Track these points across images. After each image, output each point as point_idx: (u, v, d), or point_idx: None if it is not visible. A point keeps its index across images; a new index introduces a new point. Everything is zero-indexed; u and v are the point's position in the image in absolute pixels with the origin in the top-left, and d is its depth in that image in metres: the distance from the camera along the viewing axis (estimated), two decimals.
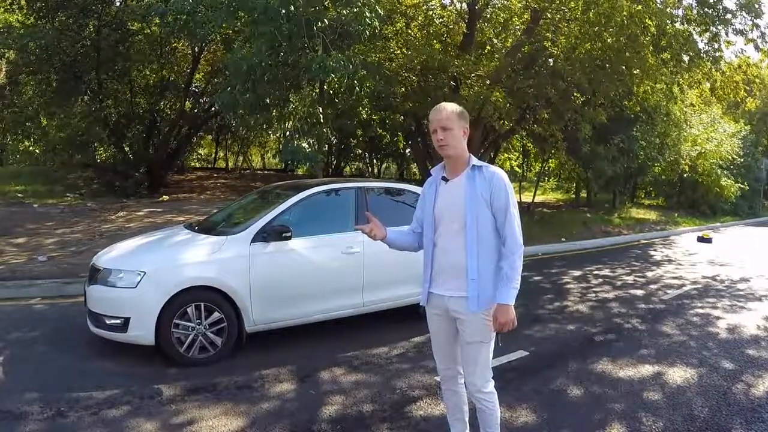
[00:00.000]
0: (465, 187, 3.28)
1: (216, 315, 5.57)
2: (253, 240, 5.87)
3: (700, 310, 8.48)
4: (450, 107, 3.29)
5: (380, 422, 4.41)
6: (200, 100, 23.21)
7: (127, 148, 20.13)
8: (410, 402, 4.81)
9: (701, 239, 18.15)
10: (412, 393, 5.00)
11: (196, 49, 20.18)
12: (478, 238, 3.24)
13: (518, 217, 3.30)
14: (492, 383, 3.47)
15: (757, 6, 13.71)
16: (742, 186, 29.58)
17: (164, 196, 17.66)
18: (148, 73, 20.95)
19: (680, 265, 13.15)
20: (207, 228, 6.57)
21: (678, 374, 5.67)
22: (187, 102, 21.61)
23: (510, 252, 3.22)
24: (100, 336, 5.55)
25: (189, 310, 5.45)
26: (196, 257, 5.67)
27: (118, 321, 5.33)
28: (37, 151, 22.99)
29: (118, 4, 18.00)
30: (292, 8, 9.79)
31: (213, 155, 34.62)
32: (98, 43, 17.20)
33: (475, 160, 3.35)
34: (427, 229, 3.47)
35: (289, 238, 5.99)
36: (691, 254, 15.03)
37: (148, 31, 18.53)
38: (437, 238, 3.40)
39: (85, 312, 5.77)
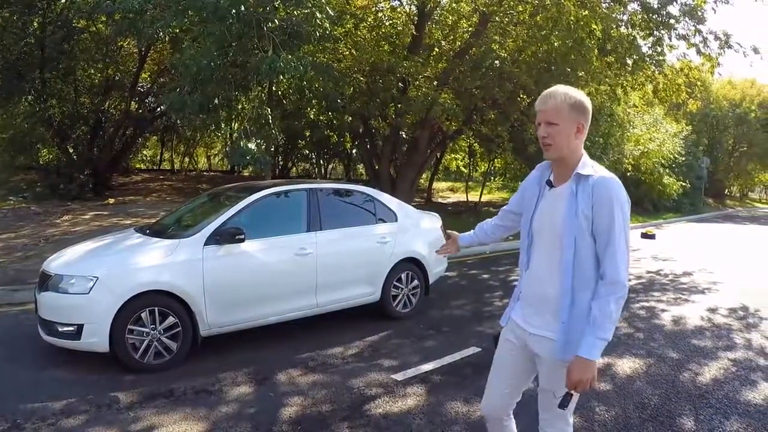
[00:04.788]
0: (567, 202, 2.61)
1: (170, 319, 5.53)
2: (206, 243, 5.85)
3: (646, 304, 8.80)
4: (561, 95, 2.59)
5: (340, 421, 4.46)
6: (146, 100, 22.80)
7: (71, 150, 19.62)
8: (368, 400, 4.88)
9: (645, 235, 18.66)
10: (370, 391, 5.08)
11: (142, 48, 19.84)
12: (575, 269, 2.57)
13: (628, 246, 2.56)
14: None
15: (699, 13, 14.19)
16: (684, 184, 30.58)
17: (110, 199, 17.32)
18: (93, 72, 20.43)
19: None
20: (159, 231, 6.51)
21: (627, 365, 5.91)
22: (132, 102, 21.22)
23: (606, 291, 2.50)
24: (53, 344, 5.45)
25: (143, 315, 5.40)
26: (149, 261, 5.62)
27: (71, 328, 5.24)
28: None
29: (63, 1, 17.53)
30: (242, 8, 9.72)
31: (158, 157, 34.06)
32: (43, 41, 16.74)
33: (585, 165, 2.63)
34: (523, 240, 2.86)
35: (242, 240, 5.99)
36: (635, 250, 15.47)
37: (94, 29, 18.13)
38: (532, 255, 2.80)
39: (36, 320, 5.67)
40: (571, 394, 2.59)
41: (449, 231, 3.45)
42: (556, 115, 2.57)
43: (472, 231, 3.38)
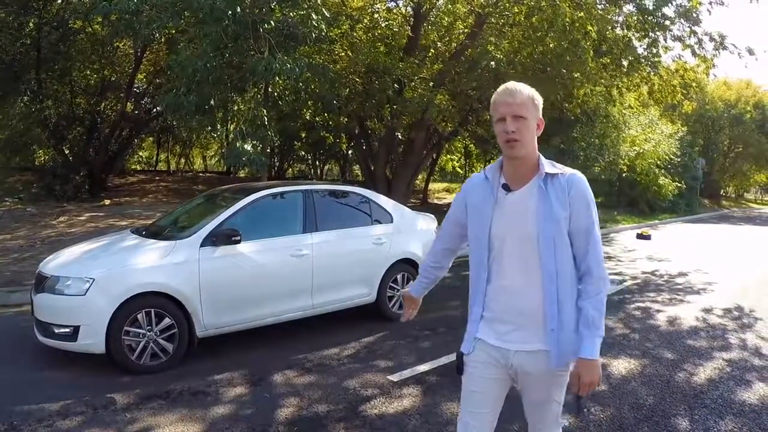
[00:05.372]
0: (537, 202, 2.45)
1: (167, 321, 5.55)
2: (202, 244, 5.87)
3: (641, 304, 8.83)
4: (526, 89, 2.45)
5: (336, 422, 4.47)
6: (142, 101, 22.77)
7: (67, 151, 19.57)
8: (364, 401, 4.89)
9: (640, 236, 18.68)
10: (366, 392, 5.09)
11: (138, 49, 19.82)
12: (557, 273, 2.43)
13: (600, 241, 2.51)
14: None
15: (695, 14, 14.24)
16: (679, 185, 30.68)
17: (106, 200, 17.30)
18: (89, 73, 20.39)
19: (620, 261, 13.57)
20: (155, 232, 6.52)
21: (622, 366, 5.93)
22: (128, 103, 21.19)
23: (595, 289, 2.45)
24: (49, 346, 5.47)
25: (139, 316, 5.42)
26: (145, 263, 5.63)
27: (68, 330, 5.26)
28: None
29: (59, 1, 17.51)
30: (239, 9, 9.74)
31: (154, 158, 34.00)
32: (38, 42, 16.73)
33: (547, 163, 2.52)
34: (478, 253, 2.59)
35: (238, 241, 6.01)
36: (631, 251, 15.51)
37: (90, 30, 18.09)
38: (493, 267, 2.56)
39: (32, 321, 5.68)
40: (580, 398, 2.51)
41: (401, 292, 3.30)
42: (525, 108, 2.41)
43: (419, 278, 3.07)
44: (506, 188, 2.50)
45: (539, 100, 2.48)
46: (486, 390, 2.60)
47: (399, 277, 7.50)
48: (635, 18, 14.71)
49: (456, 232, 2.82)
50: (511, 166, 2.52)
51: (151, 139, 29.70)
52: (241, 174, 27.65)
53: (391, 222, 7.66)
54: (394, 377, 5.44)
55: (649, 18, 14.37)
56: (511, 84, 2.47)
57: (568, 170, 2.51)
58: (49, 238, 11.18)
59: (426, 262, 3.04)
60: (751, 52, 14.63)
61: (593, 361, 2.41)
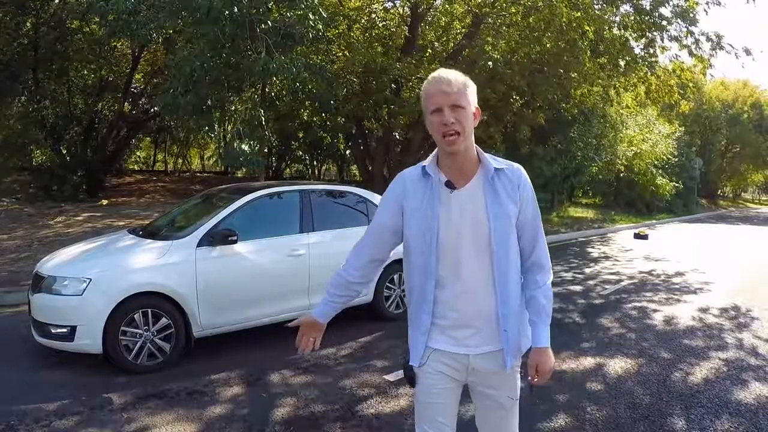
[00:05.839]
0: (487, 199, 2.27)
1: (163, 321, 5.55)
2: (199, 244, 5.86)
3: (638, 304, 8.84)
4: (461, 76, 2.25)
5: (332, 422, 4.48)
6: (139, 101, 22.76)
7: (64, 151, 19.57)
8: (361, 401, 4.90)
9: (638, 236, 18.72)
10: (362, 392, 5.10)
11: (136, 49, 19.81)
12: (508, 272, 2.31)
13: None
14: None
15: (692, 14, 14.29)
16: (676, 185, 30.78)
17: (103, 201, 17.29)
18: (86, 73, 20.42)
19: (617, 261, 13.60)
20: (152, 232, 6.52)
21: (619, 365, 5.94)
22: (126, 103, 21.18)
23: (544, 279, 2.40)
24: (46, 346, 5.46)
25: (136, 316, 5.41)
26: (142, 263, 5.63)
27: (65, 330, 5.25)
28: None
29: (57, 1, 17.51)
30: (236, 9, 9.75)
31: (152, 158, 33.97)
32: (36, 42, 16.75)
33: (491, 159, 2.34)
34: (422, 258, 2.35)
35: (234, 241, 6.00)
36: (628, 251, 15.55)
37: (88, 29, 18.10)
38: (444, 273, 2.33)
39: (30, 321, 5.68)
40: (533, 387, 2.48)
41: (297, 321, 2.71)
42: (462, 96, 2.20)
43: (330, 298, 2.61)
44: (450, 186, 2.29)
45: (473, 87, 2.29)
46: (444, 400, 2.44)
47: (395, 277, 7.49)
48: (632, 18, 14.77)
49: (387, 239, 2.52)
50: (451, 161, 2.30)
51: (148, 139, 29.71)
52: (239, 174, 27.66)
53: None
54: (391, 377, 5.44)
55: (646, 18, 14.44)
56: (443, 71, 2.26)
57: (508, 163, 2.39)
58: (47, 238, 11.17)
59: (346, 278, 2.57)
60: (747, 52, 14.70)
61: (548, 349, 2.37)
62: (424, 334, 2.40)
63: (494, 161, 2.33)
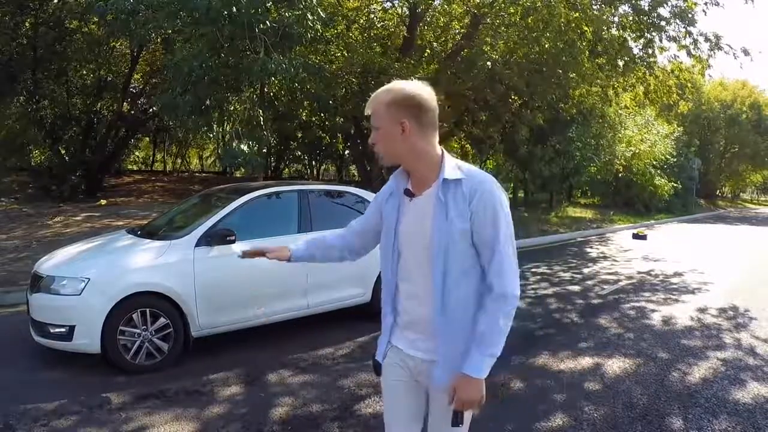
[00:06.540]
0: (433, 210, 2.24)
1: (162, 320, 5.55)
2: (197, 244, 5.86)
3: (636, 304, 8.85)
4: (381, 94, 2.27)
5: (330, 421, 4.48)
6: (138, 101, 22.73)
7: (63, 151, 19.54)
8: (358, 400, 4.90)
9: (636, 236, 18.75)
10: (360, 392, 5.10)
11: (135, 49, 19.80)
12: (444, 285, 2.23)
13: (514, 254, 2.27)
14: None
15: (690, 15, 14.30)
16: (675, 185, 30.80)
17: (102, 201, 17.26)
18: (85, 73, 20.40)
19: (616, 261, 13.63)
20: (150, 232, 6.52)
21: (617, 365, 5.95)
22: (125, 103, 21.15)
23: (494, 305, 2.20)
24: (45, 345, 5.46)
25: (134, 316, 5.42)
26: (140, 262, 5.64)
27: (63, 329, 5.25)
28: None
29: (56, 1, 17.50)
30: (234, 10, 9.75)
31: (151, 158, 33.96)
32: (35, 42, 16.74)
33: (449, 166, 2.27)
34: (387, 258, 2.43)
35: (233, 241, 5.99)
36: (627, 251, 15.57)
37: (87, 30, 18.08)
38: (401, 273, 2.39)
39: (28, 321, 5.68)
40: (456, 414, 2.27)
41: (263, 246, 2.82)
42: (377, 117, 2.26)
43: (311, 244, 2.77)
44: (408, 194, 2.34)
45: (397, 99, 2.23)
46: (400, 401, 2.46)
47: None
48: (631, 18, 14.79)
49: (370, 238, 2.68)
50: (409, 171, 2.37)
51: (147, 139, 29.71)
52: (238, 174, 27.64)
53: None
54: None
55: (645, 18, 14.46)
56: (374, 92, 2.32)
57: (474, 174, 2.27)
58: (45, 238, 11.17)
59: (327, 237, 2.78)
60: (746, 52, 14.71)
61: (474, 379, 2.19)
62: (386, 330, 2.48)
63: (455, 171, 2.26)
